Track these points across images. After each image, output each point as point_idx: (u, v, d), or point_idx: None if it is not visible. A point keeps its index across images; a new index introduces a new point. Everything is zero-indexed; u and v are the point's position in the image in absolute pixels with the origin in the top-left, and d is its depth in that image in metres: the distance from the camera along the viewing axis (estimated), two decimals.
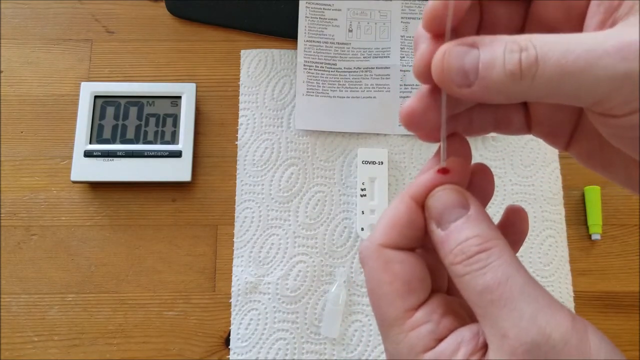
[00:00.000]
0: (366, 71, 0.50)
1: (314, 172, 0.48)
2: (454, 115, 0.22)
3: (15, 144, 0.48)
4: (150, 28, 0.52)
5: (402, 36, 0.51)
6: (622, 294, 0.45)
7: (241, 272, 0.45)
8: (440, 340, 0.19)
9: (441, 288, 0.22)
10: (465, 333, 0.19)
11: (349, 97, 0.50)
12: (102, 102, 0.48)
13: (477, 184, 0.22)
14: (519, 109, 0.23)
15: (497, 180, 0.48)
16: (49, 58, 0.51)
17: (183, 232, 0.46)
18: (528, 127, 0.23)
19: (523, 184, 0.47)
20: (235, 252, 0.45)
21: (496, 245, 0.19)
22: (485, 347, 0.19)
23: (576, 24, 0.20)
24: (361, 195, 0.46)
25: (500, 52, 0.18)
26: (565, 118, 0.22)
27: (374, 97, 0.50)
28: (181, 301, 0.44)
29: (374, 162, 0.47)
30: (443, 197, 0.20)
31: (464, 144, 0.22)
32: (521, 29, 0.22)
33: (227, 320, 0.44)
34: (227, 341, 0.43)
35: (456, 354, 0.19)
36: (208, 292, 0.45)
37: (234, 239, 0.46)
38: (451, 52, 0.19)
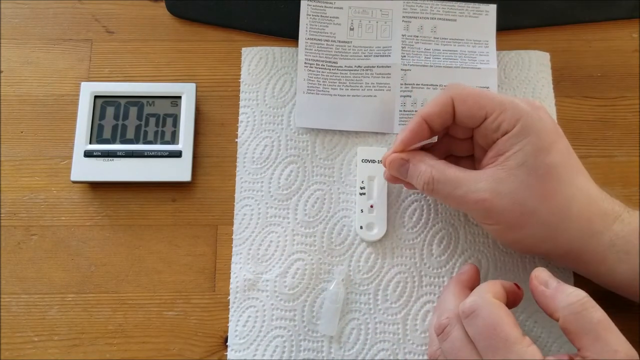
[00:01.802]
0: (367, 70, 0.50)
1: (314, 170, 0.48)
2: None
3: (15, 143, 0.48)
4: (150, 28, 0.52)
5: (403, 35, 0.51)
6: None
7: (239, 270, 0.45)
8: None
9: None
10: (564, 357, 0.31)
11: (349, 96, 0.50)
12: (102, 102, 0.48)
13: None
14: (468, 147, 0.42)
15: None
16: (48, 58, 0.51)
17: (183, 232, 0.46)
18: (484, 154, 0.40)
19: None
20: (234, 249, 0.46)
21: (587, 295, 0.32)
22: None
23: (488, 149, 0.38)
24: (360, 194, 0.46)
25: (416, 174, 0.39)
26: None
27: (375, 96, 0.50)
28: (181, 301, 0.44)
29: (373, 161, 0.47)
30: (545, 271, 0.35)
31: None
32: (470, 138, 0.41)
33: (228, 320, 0.44)
34: (227, 341, 0.43)
35: None
36: (208, 292, 0.45)
37: (233, 236, 0.46)
38: (394, 162, 0.40)
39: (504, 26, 0.53)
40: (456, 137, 0.41)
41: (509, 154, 0.35)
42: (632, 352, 0.29)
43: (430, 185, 0.37)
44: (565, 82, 0.52)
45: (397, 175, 0.40)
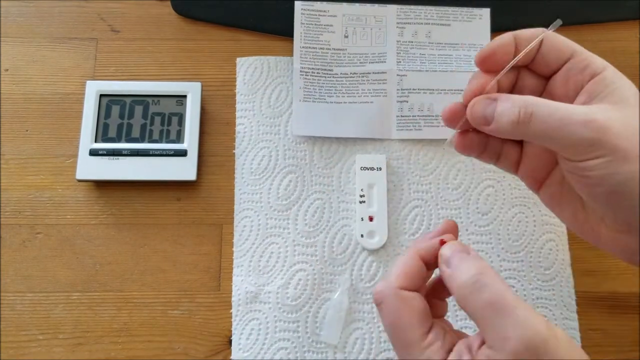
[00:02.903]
0: (363, 76, 0.50)
1: (312, 180, 0.48)
2: (477, 135, 0.34)
3: (21, 142, 0.48)
4: (155, 27, 0.52)
5: (398, 41, 0.51)
6: (626, 294, 0.45)
7: (241, 282, 0.45)
8: (448, 352, 0.27)
9: (434, 315, 0.30)
10: (462, 346, 0.27)
11: (346, 103, 0.50)
12: (107, 101, 0.48)
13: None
14: (516, 152, 0.34)
15: (496, 185, 0.48)
16: (54, 56, 0.51)
17: (188, 231, 0.46)
18: (516, 169, 0.35)
19: (522, 188, 0.47)
20: (234, 261, 0.45)
21: (489, 273, 0.27)
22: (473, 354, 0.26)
23: (570, 101, 0.31)
24: (360, 202, 0.46)
25: (508, 107, 0.29)
26: (541, 169, 0.34)
27: (371, 102, 0.50)
28: (186, 300, 0.44)
29: (372, 168, 0.47)
30: (452, 247, 0.29)
31: (454, 226, 0.32)
32: (540, 94, 0.33)
33: (232, 319, 0.44)
34: (231, 341, 0.43)
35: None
36: (213, 291, 0.45)
37: (233, 249, 0.46)
38: (479, 103, 0.31)
39: (509, 26, 0.52)
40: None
41: (604, 93, 0.29)
42: (530, 332, 0.24)
43: (529, 109, 0.29)
44: None
45: (481, 120, 0.31)
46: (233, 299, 0.44)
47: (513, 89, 0.34)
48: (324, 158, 0.48)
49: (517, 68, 0.33)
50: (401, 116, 0.49)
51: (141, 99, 0.48)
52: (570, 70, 0.31)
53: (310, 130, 0.49)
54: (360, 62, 0.51)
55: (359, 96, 0.50)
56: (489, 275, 0.27)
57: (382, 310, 0.29)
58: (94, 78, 0.50)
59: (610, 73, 0.30)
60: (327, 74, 0.50)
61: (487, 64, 0.32)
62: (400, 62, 0.51)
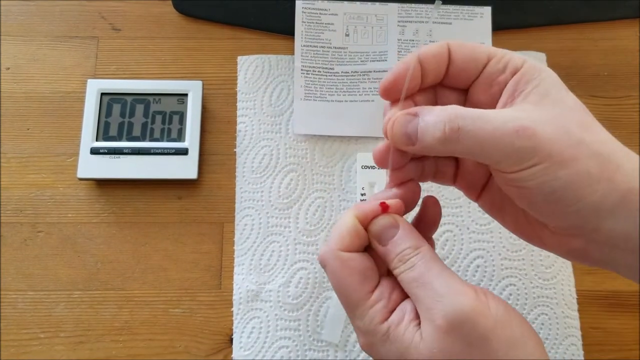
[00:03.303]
0: (364, 75, 0.50)
1: (314, 178, 0.48)
2: (413, 162, 0.30)
3: (22, 140, 0.48)
4: (156, 25, 0.52)
5: (399, 39, 0.51)
6: (628, 292, 0.45)
7: (242, 280, 0.45)
8: (392, 311, 0.27)
9: (384, 273, 0.29)
10: (407, 305, 0.27)
11: (347, 101, 0.50)
12: (108, 100, 0.48)
13: (429, 212, 0.31)
14: (451, 167, 0.32)
15: None
16: (55, 55, 0.51)
17: (189, 229, 0.46)
18: (453, 182, 0.33)
19: None
20: (236, 260, 0.45)
21: (421, 251, 0.27)
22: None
23: (493, 103, 0.29)
24: (361, 200, 0.46)
25: (432, 122, 0.26)
26: (478, 179, 0.32)
27: (372, 101, 0.50)
28: (187, 298, 0.44)
29: (373, 167, 0.47)
30: (380, 223, 0.28)
31: (416, 187, 0.31)
32: (463, 104, 0.31)
33: (233, 318, 0.44)
34: (232, 339, 0.43)
35: (402, 321, 0.26)
36: (214, 289, 0.45)
37: (234, 247, 0.46)
38: (398, 121, 0.28)
39: (509, 25, 0.53)
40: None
41: (527, 90, 0.28)
42: (450, 307, 0.25)
43: (455, 124, 0.26)
44: (571, 81, 0.51)
45: (404, 141, 0.28)
46: (234, 297, 0.44)
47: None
48: (325, 156, 0.48)
49: (432, 87, 0.31)
50: None
51: (142, 98, 0.48)
52: (492, 74, 0.29)
53: (311, 128, 0.49)
54: (361, 61, 0.51)
55: (360, 95, 0.50)
56: (421, 254, 0.27)
57: (327, 271, 0.28)
58: (95, 77, 0.50)
59: (529, 67, 0.28)
60: (328, 72, 0.50)
61: (393, 95, 0.29)
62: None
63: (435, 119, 0.26)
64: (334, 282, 0.28)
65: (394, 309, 0.27)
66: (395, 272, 0.27)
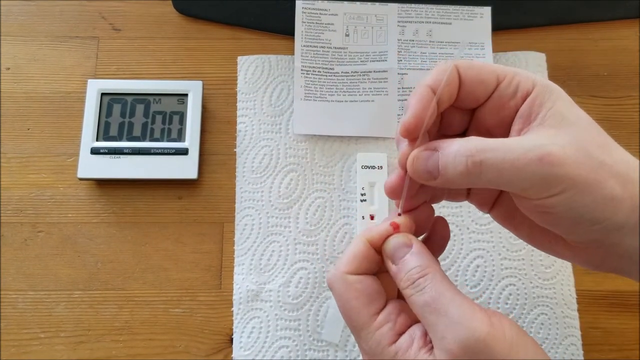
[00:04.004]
0: (364, 75, 0.50)
1: (314, 178, 0.48)
2: (423, 188, 0.31)
3: (22, 140, 0.48)
4: (156, 26, 0.52)
5: (399, 39, 0.51)
6: (627, 292, 0.45)
7: (242, 280, 0.45)
8: (400, 334, 0.27)
9: (394, 296, 0.30)
10: (416, 331, 0.27)
11: (347, 101, 0.50)
12: (108, 100, 0.48)
13: (438, 230, 0.32)
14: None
15: None
16: (55, 55, 0.51)
17: (189, 229, 0.46)
18: (465, 198, 0.34)
19: None
20: (236, 260, 0.45)
21: (431, 271, 0.27)
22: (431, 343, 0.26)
23: (505, 129, 0.29)
24: (361, 200, 0.46)
25: (452, 157, 0.26)
26: (490, 195, 0.33)
27: (372, 101, 0.50)
28: (187, 298, 0.44)
29: (373, 167, 0.47)
30: (393, 241, 0.28)
31: (429, 209, 0.32)
32: (467, 128, 0.31)
33: (234, 318, 0.44)
34: (232, 339, 0.43)
35: (411, 347, 0.26)
36: (214, 289, 0.45)
37: (234, 247, 0.46)
38: (418, 158, 0.28)
39: (509, 25, 0.53)
40: (448, 133, 0.33)
41: (542, 113, 0.28)
42: (464, 333, 0.24)
43: (477, 158, 0.26)
44: (571, 81, 0.52)
45: (426, 176, 0.28)
46: (234, 297, 0.44)
47: (439, 129, 0.32)
48: (325, 156, 0.49)
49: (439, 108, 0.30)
50: (402, 115, 0.49)
51: (142, 98, 0.48)
52: (502, 98, 0.29)
53: (311, 128, 0.49)
54: (361, 61, 0.51)
55: (359, 95, 0.50)
56: (431, 275, 0.27)
57: (334, 294, 0.29)
58: (95, 77, 0.50)
59: (541, 89, 0.28)
60: (328, 72, 0.50)
61: (413, 134, 0.28)
62: (401, 60, 0.51)
63: (456, 153, 0.26)
64: (340, 304, 0.28)
65: (402, 332, 0.27)
66: (405, 293, 0.27)
